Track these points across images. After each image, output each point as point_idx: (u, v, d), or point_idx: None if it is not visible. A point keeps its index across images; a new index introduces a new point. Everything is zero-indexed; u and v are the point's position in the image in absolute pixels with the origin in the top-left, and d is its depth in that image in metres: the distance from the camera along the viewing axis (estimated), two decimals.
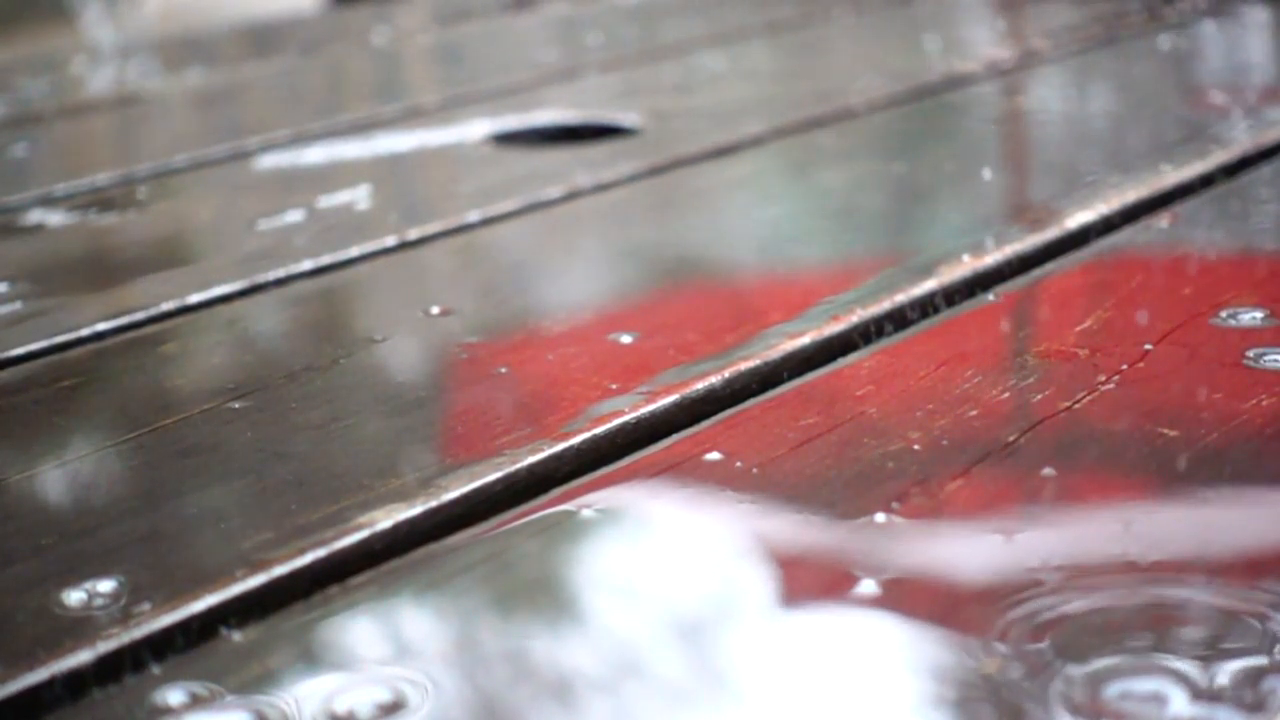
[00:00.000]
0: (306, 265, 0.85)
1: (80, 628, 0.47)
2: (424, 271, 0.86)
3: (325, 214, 0.97)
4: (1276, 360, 0.63)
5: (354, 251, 0.87)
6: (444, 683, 0.44)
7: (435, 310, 0.77)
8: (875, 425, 0.59)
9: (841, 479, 0.55)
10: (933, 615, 0.46)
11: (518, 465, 0.57)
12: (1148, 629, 0.44)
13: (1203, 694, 0.41)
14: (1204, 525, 0.50)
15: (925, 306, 0.73)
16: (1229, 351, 0.64)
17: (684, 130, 1.15)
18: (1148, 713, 0.41)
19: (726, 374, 0.65)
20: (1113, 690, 0.42)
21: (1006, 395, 0.61)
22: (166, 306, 0.79)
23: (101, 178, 1.11)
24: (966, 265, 0.77)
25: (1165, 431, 0.57)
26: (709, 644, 0.46)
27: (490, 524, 0.53)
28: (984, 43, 1.55)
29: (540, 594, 0.49)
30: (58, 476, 0.59)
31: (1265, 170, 0.94)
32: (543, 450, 0.58)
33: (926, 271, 0.76)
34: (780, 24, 1.63)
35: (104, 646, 0.46)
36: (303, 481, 0.58)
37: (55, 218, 1.01)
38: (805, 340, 0.68)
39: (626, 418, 0.61)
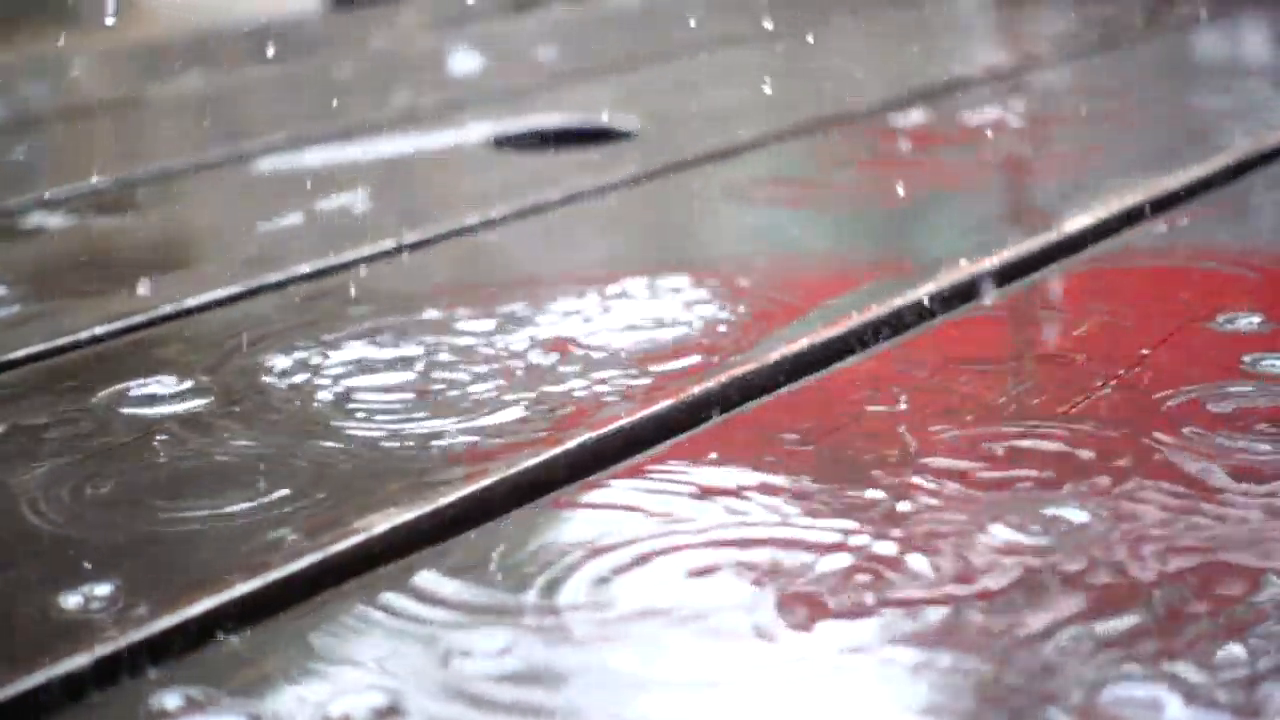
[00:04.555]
0: (304, 268, 0.85)
1: (77, 631, 0.47)
2: (422, 274, 0.86)
3: (324, 217, 0.97)
4: (1273, 365, 0.63)
5: (352, 255, 0.87)
6: (439, 687, 0.44)
7: (433, 314, 0.77)
8: (871, 429, 0.59)
9: (837, 483, 0.55)
10: (929, 620, 0.46)
11: (515, 468, 0.57)
12: (1145, 634, 0.45)
13: (1198, 699, 0.41)
14: (1201, 530, 0.50)
15: (922, 311, 0.73)
16: (1226, 356, 0.64)
17: (682, 133, 1.15)
18: (1143, 718, 0.41)
19: (723, 378, 0.65)
20: (1109, 696, 0.42)
21: (1003, 400, 0.61)
22: (165, 309, 0.79)
23: (100, 181, 1.11)
24: (964, 269, 0.77)
25: (1163, 436, 0.57)
26: (707, 646, 0.46)
27: (487, 527, 0.53)
28: (983, 47, 1.55)
29: (537, 597, 0.49)
30: (55, 479, 0.59)
31: (1264, 174, 0.94)
32: (540, 453, 0.58)
33: (924, 275, 0.76)
34: (778, 28, 1.63)
35: (101, 650, 0.46)
36: (300, 485, 0.58)
37: (54, 220, 1.01)
38: (801, 344, 0.68)
39: (623, 421, 0.61)
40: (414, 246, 0.89)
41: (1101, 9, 1.53)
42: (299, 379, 0.68)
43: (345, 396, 0.66)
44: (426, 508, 0.55)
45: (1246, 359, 0.64)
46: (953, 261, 0.78)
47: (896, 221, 0.93)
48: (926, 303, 0.73)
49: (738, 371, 0.65)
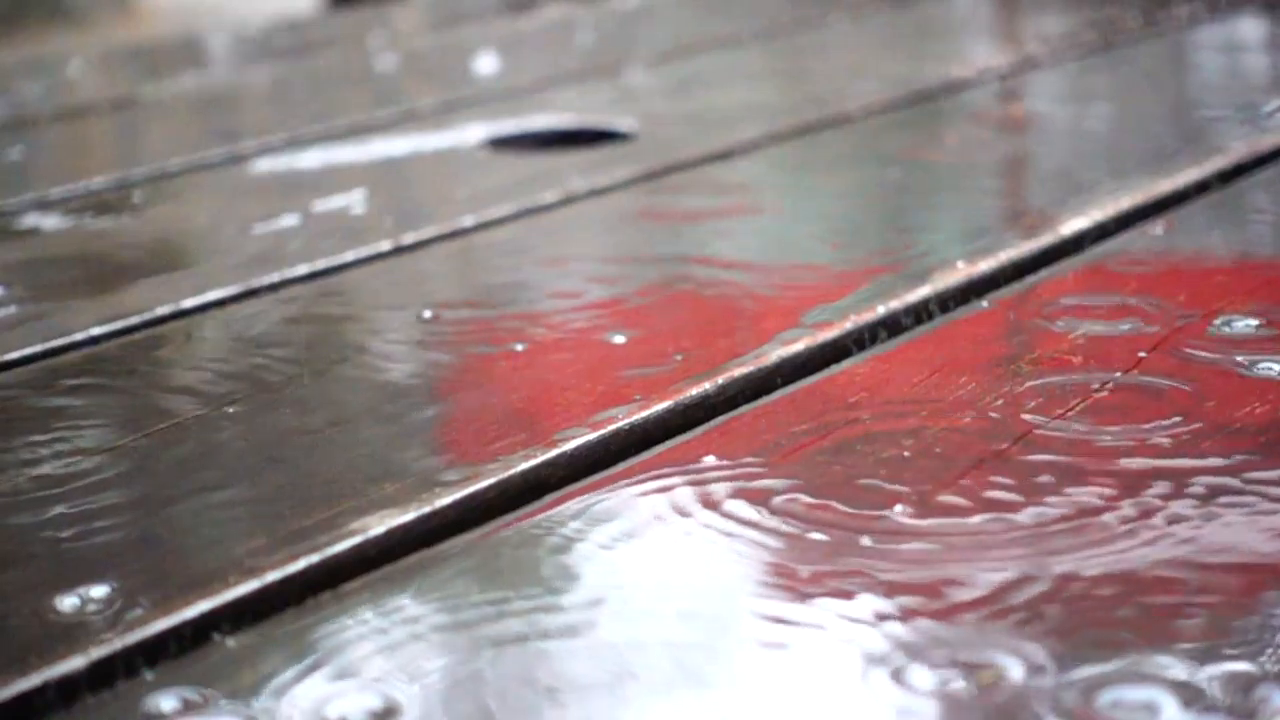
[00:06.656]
0: (301, 269, 0.85)
1: (73, 633, 0.47)
2: (419, 276, 0.86)
3: (320, 218, 0.97)
4: (1270, 368, 0.63)
5: (349, 256, 0.87)
6: (436, 689, 0.44)
7: (430, 315, 0.77)
8: (868, 432, 0.59)
9: (833, 486, 0.55)
10: (926, 624, 0.46)
11: (512, 471, 0.57)
12: (1142, 637, 0.45)
13: (1194, 701, 0.41)
14: (1198, 533, 0.50)
15: (919, 313, 0.73)
16: (1223, 359, 0.64)
17: (679, 135, 1.15)
18: None
19: (720, 380, 0.65)
20: (1105, 698, 0.42)
21: (1000, 402, 0.61)
22: (161, 310, 0.79)
23: (97, 181, 1.11)
24: (961, 272, 0.77)
25: (1159, 440, 0.57)
26: (703, 649, 0.46)
27: (484, 530, 0.53)
28: (980, 49, 1.55)
29: (534, 600, 0.49)
30: (51, 481, 0.59)
31: (1261, 176, 0.94)
32: (537, 456, 0.58)
33: (921, 278, 0.76)
34: (776, 29, 1.63)
35: (97, 652, 0.46)
36: (297, 487, 0.58)
37: (50, 221, 1.01)
38: (799, 346, 0.68)
39: (620, 423, 0.61)
40: (411, 247, 0.89)
41: (1098, 10, 1.53)
42: None
43: None
44: (424, 509, 0.55)
45: (1244, 361, 0.64)
46: (950, 264, 0.78)
47: (893, 223, 0.93)
48: (923, 305, 0.73)
49: (735, 373, 0.65)
